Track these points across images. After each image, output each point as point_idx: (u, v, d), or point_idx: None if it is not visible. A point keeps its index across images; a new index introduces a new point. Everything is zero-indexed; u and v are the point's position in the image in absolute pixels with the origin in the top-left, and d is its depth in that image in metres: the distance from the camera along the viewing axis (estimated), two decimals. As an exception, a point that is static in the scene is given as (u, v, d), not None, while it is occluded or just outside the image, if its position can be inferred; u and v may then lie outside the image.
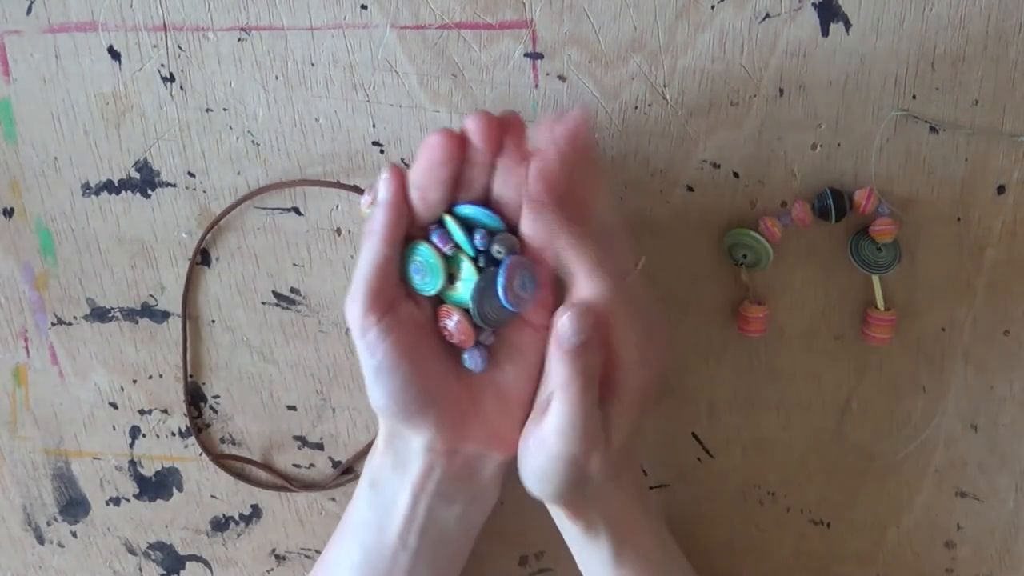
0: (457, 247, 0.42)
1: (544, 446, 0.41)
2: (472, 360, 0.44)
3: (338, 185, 0.50)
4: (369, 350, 0.42)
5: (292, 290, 0.52)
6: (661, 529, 0.48)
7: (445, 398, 0.44)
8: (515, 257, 0.42)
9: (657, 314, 0.44)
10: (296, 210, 0.51)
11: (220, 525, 0.58)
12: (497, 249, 0.42)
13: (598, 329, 0.40)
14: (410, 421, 0.44)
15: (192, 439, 0.56)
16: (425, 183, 0.41)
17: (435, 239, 0.42)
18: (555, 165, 0.39)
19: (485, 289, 0.42)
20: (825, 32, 0.45)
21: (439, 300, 0.44)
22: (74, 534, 0.59)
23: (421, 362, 0.43)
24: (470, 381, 0.45)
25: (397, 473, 0.46)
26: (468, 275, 0.42)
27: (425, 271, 0.43)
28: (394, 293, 0.43)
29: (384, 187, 0.42)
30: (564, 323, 0.39)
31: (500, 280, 0.42)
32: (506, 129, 0.41)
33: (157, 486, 0.57)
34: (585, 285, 0.40)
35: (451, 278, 0.43)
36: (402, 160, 0.49)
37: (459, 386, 0.45)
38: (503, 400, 0.45)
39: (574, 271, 0.40)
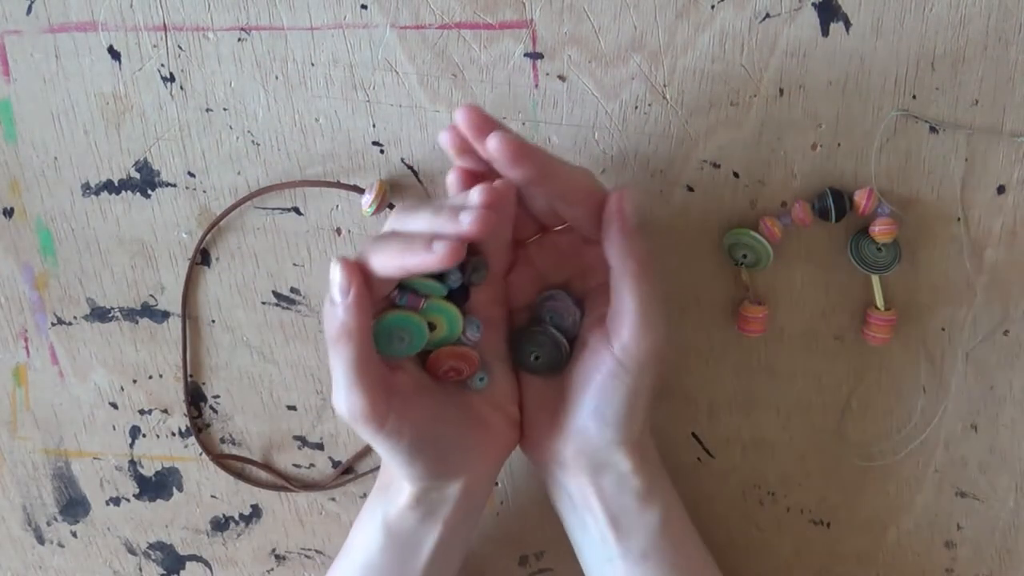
0: (426, 297, 0.42)
1: (636, 351, 0.42)
2: (481, 379, 0.45)
3: (338, 185, 0.50)
4: (393, 438, 0.41)
5: (292, 290, 0.52)
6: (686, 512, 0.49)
7: (469, 438, 0.44)
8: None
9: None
10: (296, 210, 0.51)
11: (220, 525, 0.58)
12: (476, 277, 0.42)
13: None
14: (451, 472, 0.44)
15: (192, 439, 0.56)
16: (393, 273, 0.39)
17: (406, 303, 0.41)
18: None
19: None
20: (825, 32, 0.45)
21: (424, 352, 0.43)
22: (74, 534, 0.59)
23: (440, 420, 0.43)
24: (473, 405, 0.45)
25: (425, 523, 0.45)
26: (444, 311, 0.42)
27: (404, 334, 0.42)
28: (384, 375, 0.41)
29: (343, 285, 0.39)
30: (618, 199, 0.41)
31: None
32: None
33: (157, 486, 0.57)
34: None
35: (430, 326, 0.42)
36: (401, 160, 0.49)
37: (471, 417, 0.45)
38: (502, 405, 0.46)
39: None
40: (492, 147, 0.38)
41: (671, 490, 0.47)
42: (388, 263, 0.39)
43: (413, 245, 0.38)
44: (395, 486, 0.45)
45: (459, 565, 0.49)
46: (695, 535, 0.48)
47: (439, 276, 0.42)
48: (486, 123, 0.39)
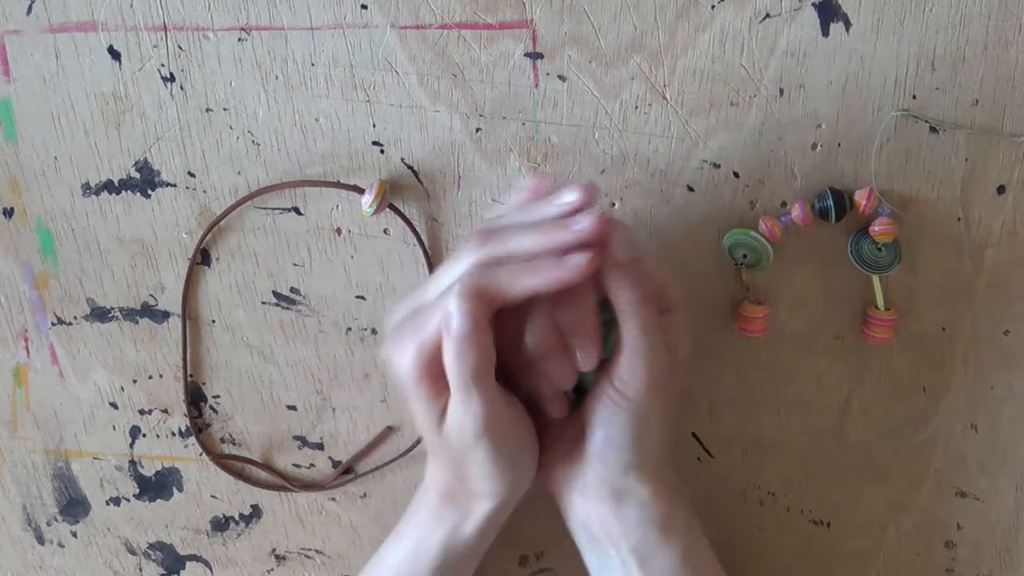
0: None
1: (631, 383, 0.41)
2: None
3: (338, 185, 0.50)
4: (494, 447, 0.41)
5: (292, 290, 0.52)
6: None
7: (532, 446, 0.44)
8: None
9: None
10: (296, 210, 0.51)
11: (220, 525, 0.58)
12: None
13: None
14: (521, 488, 0.44)
15: (192, 439, 0.56)
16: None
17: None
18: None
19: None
20: (825, 32, 0.45)
21: None
22: (74, 534, 0.59)
23: (517, 428, 0.43)
24: (527, 415, 0.45)
25: (486, 537, 0.46)
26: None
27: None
28: (505, 406, 0.41)
29: (464, 321, 0.38)
30: (615, 239, 0.39)
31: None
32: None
33: (157, 486, 0.57)
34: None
35: None
36: (402, 160, 0.49)
37: (527, 425, 0.44)
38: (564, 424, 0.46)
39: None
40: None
41: (693, 521, 0.47)
42: (514, 287, 0.38)
43: (538, 267, 0.38)
44: (463, 509, 0.45)
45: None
46: (717, 566, 0.48)
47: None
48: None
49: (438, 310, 0.39)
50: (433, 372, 0.40)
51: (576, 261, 0.37)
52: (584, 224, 0.37)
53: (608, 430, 0.43)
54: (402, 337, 0.40)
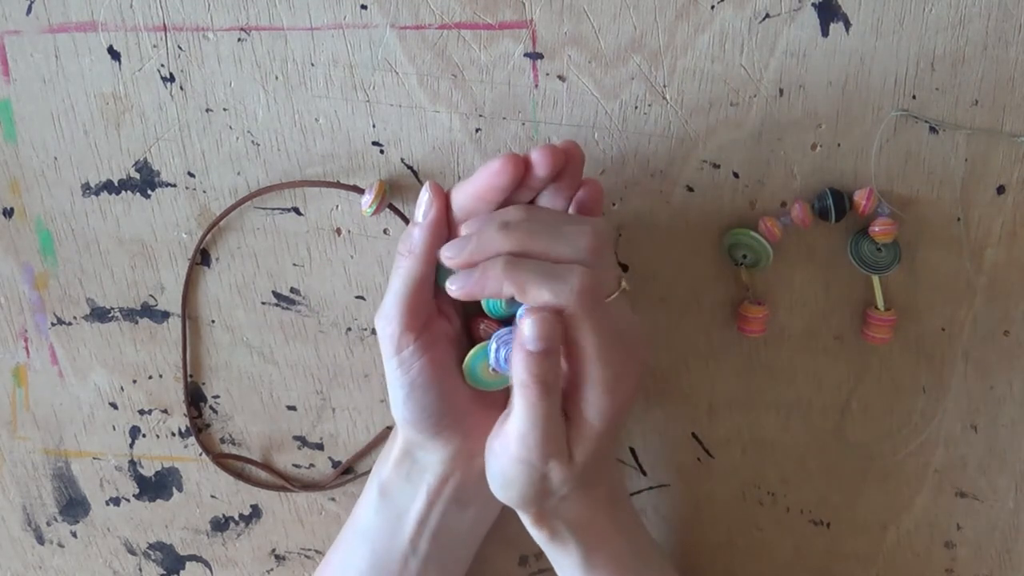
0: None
1: (505, 448, 0.41)
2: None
3: (338, 185, 0.50)
4: (403, 367, 0.43)
5: (292, 290, 0.52)
6: (637, 535, 0.48)
7: (472, 408, 0.45)
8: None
9: (637, 339, 0.43)
10: (296, 210, 0.51)
11: (220, 525, 0.58)
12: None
13: (563, 340, 0.39)
14: (439, 434, 0.45)
15: (192, 439, 0.56)
16: (475, 206, 0.42)
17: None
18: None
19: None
20: (825, 32, 0.45)
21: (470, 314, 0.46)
22: (74, 534, 0.59)
23: (452, 375, 0.44)
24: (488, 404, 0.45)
25: (411, 482, 0.47)
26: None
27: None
28: (429, 311, 0.44)
29: (426, 208, 0.43)
30: (528, 326, 0.39)
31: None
32: (568, 160, 0.42)
33: (157, 486, 0.57)
34: (562, 296, 0.39)
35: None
36: (401, 160, 0.49)
37: (483, 394, 0.45)
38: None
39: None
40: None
41: (596, 536, 0.45)
42: (466, 194, 0.42)
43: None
44: (389, 445, 0.47)
45: (465, 563, 0.49)
46: (638, 567, 0.47)
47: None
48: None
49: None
50: (406, 321, 0.43)
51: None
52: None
53: (489, 474, 0.43)
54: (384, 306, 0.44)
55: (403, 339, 0.43)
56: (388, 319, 0.43)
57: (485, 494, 0.46)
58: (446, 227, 0.43)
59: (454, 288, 0.41)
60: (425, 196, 0.43)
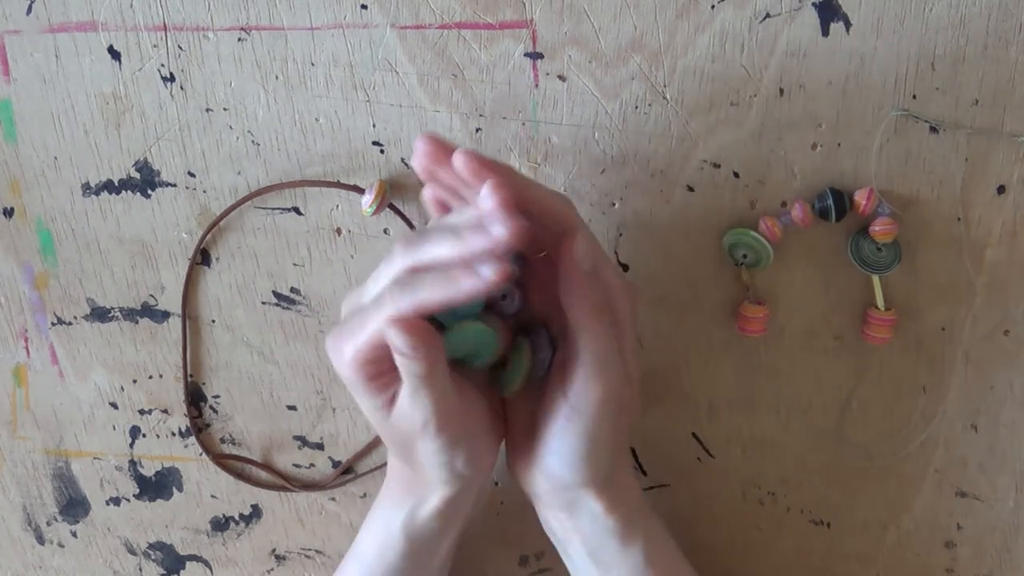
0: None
1: (584, 397, 0.40)
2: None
3: (338, 185, 0.50)
4: (445, 443, 0.41)
5: (292, 290, 0.52)
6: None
7: (489, 434, 0.44)
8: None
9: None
10: (296, 210, 0.51)
11: (220, 525, 0.58)
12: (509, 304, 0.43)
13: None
14: (477, 476, 0.44)
15: (192, 439, 0.56)
16: (439, 308, 0.39)
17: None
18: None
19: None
20: (825, 32, 0.45)
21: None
22: (74, 534, 0.59)
23: (471, 417, 0.43)
24: (489, 401, 0.44)
25: (450, 524, 0.46)
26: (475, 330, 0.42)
27: (480, 351, 0.42)
28: (458, 399, 0.41)
29: (416, 347, 0.37)
30: (578, 248, 0.39)
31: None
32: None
33: (157, 486, 0.57)
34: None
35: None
36: (401, 160, 0.49)
37: (487, 412, 0.44)
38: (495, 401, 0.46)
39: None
40: (458, 164, 0.38)
41: (655, 524, 0.46)
42: (433, 300, 0.37)
43: (454, 277, 0.36)
44: (419, 495, 0.45)
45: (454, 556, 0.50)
46: (683, 564, 0.48)
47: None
48: (442, 150, 0.39)
49: (371, 314, 0.38)
50: (373, 369, 0.39)
51: (486, 273, 0.36)
52: (496, 228, 0.36)
53: (559, 446, 0.42)
54: (341, 337, 0.40)
55: (450, 430, 0.41)
56: (438, 425, 0.40)
57: (478, 510, 0.48)
58: (441, 349, 0.39)
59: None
60: (402, 340, 0.37)
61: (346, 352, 0.39)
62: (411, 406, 0.39)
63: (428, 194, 0.42)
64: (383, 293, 0.38)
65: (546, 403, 0.42)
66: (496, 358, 0.42)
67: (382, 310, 0.38)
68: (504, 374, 0.43)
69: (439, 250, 0.37)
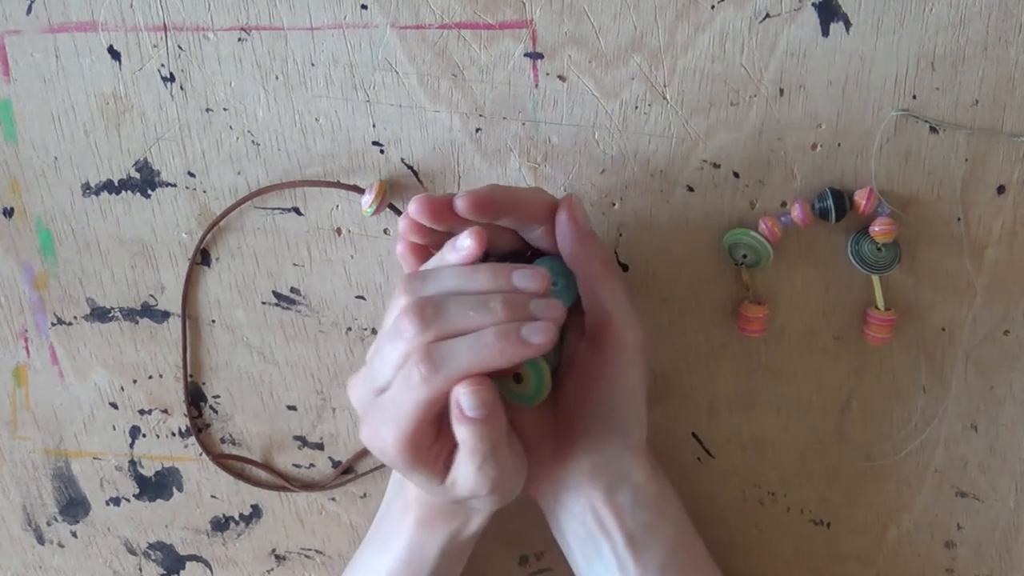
0: None
1: (623, 347, 0.43)
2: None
3: (338, 185, 0.50)
4: (500, 499, 0.42)
5: (292, 290, 0.52)
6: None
7: (518, 453, 0.43)
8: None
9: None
10: (296, 210, 0.51)
11: (220, 525, 0.58)
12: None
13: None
14: (513, 496, 0.44)
15: (192, 439, 0.56)
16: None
17: None
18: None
19: None
20: (825, 32, 0.45)
21: None
22: (74, 534, 0.59)
23: (505, 444, 0.42)
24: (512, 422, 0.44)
25: (477, 536, 0.47)
26: (535, 366, 0.42)
27: (528, 383, 0.43)
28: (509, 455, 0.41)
29: (484, 405, 0.37)
30: (572, 213, 0.42)
31: None
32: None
33: (157, 486, 0.57)
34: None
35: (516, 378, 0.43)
36: (401, 160, 0.49)
37: (511, 433, 0.44)
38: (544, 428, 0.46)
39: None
40: (462, 208, 0.40)
41: (678, 500, 0.47)
42: (473, 371, 0.37)
43: (491, 344, 0.36)
44: (461, 517, 0.45)
45: None
46: (702, 544, 0.48)
47: None
48: (441, 206, 0.40)
49: (403, 394, 0.38)
50: (422, 447, 0.39)
51: (536, 338, 0.36)
52: (544, 309, 0.37)
53: (603, 407, 0.43)
54: (377, 422, 0.39)
55: (504, 487, 0.41)
56: (498, 490, 0.40)
57: None
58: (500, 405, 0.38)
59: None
60: (471, 398, 0.37)
61: (389, 439, 0.38)
62: (476, 477, 0.39)
63: (401, 248, 0.44)
64: (408, 370, 0.37)
65: (578, 380, 0.43)
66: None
67: (416, 389, 0.37)
68: (526, 389, 0.43)
69: (469, 320, 0.37)
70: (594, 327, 0.43)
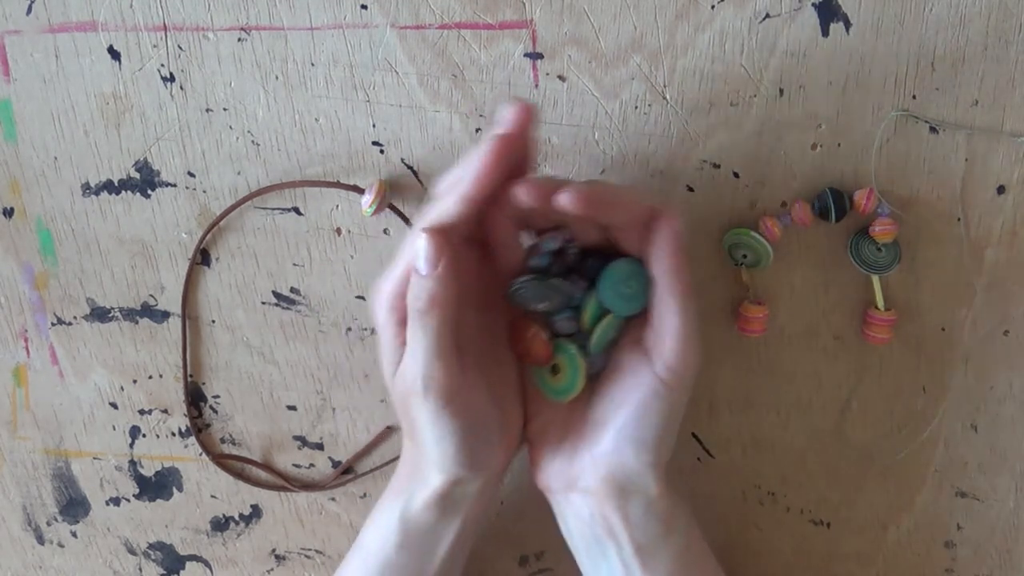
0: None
1: (679, 369, 0.41)
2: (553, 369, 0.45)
3: (338, 185, 0.50)
4: (449, 420, 0.41)
5: (292, 290, 0.52)
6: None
7: (501, 431, 0.44)
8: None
9: None
10: (296, 210, 0.51)
11: (220, 525, 0.58)
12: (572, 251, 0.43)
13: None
14: (478, 468, 0.43)
15: (192, 439, 0.56)
16: (480, 188, 0.39)
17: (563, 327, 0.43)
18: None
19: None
20: (825, 32, 0.45)
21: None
22: (74, 534, 0.59)
23: (485, 408, 0.43)
24: (506, 400, 0.45)
25: (446, 519, 0.45)
26: (571, 358, 0.44)
27: (564, 371, 0.44)
28: (459, 354, 0.41)
29: (431, 256, 0.38)
30: (674, 228, 0.40)
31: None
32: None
33: (157, 486, 0.57)
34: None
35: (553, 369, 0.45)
36: (401, 160, 0.49)
37: (504, 410, 0.44)
38: (518, 404, 0.46)
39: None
40: (566, 204, 0.38)
41: (689, 510, 0.47)
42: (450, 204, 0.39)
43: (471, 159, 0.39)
44: (417, 482, 0.44)
45: (465, 561, 0.49)
46: (714, 561, 0.48)
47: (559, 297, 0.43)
48: (547, 192, 0.39)
49: (407, 250, 0.40)
50: (399, 313, 0.41)
51: (489, 139, 0.38)
52: (507, 114, 0.39)
53: (639, 422, 0.42)
54: (379, 281, 0.42)
55: (449, 391, 0.40)
56: (427, 382, 0.40)
57: (488, 512, 0.47)
58: (457, 268, 0.39)
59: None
60: (423, 243, 0.38)
61: (380, 291, 0.41)
62: (411, 352, 0.40)
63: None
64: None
65: (621, 387, 0.43)
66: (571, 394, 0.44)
67: (411, 242, 0.40)
68: (560, 382, 0.44)
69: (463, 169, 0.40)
70: (655, 343, 0.42)
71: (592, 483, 0.43)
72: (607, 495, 0.43)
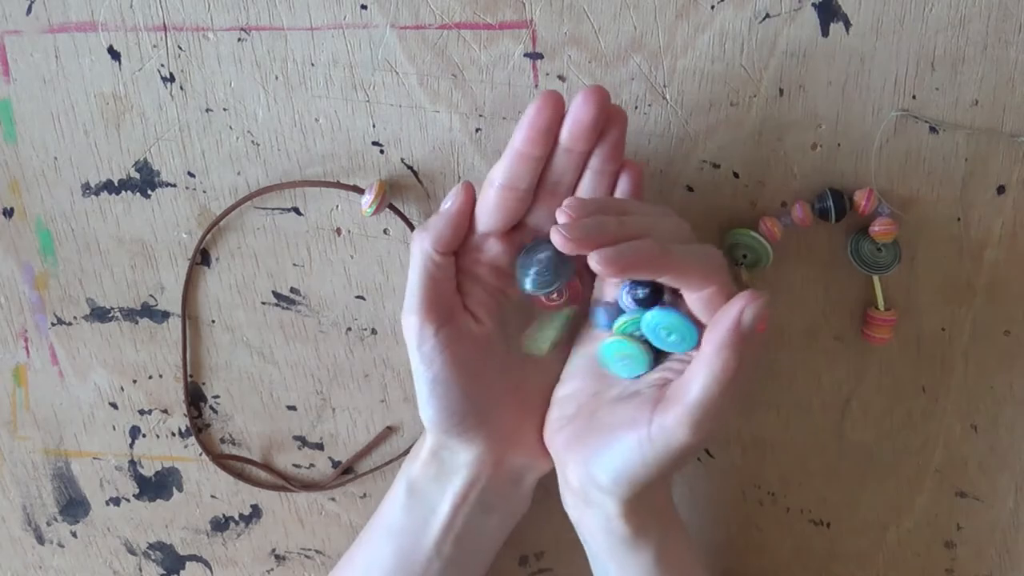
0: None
1: (670, 440, 0.38)
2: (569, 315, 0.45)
3: (338, 185, 0.50)
4: (425, 362, 0.43)
5: (292, 290, 0.52)
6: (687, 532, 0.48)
7: (500, 411, 0.45)
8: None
9: None
10: (296, 210, 0.51)
11: (220, 525, 0.58)
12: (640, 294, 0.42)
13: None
14: (463, 435, 0.44)
15: (192, 439, 0.56)
16: (518, 168, 0.41)
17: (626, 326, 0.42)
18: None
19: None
20: (825, 32, 0.45)
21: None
22: (74, 534, 0.59)
23: (478, 376, 0.44)
24: (524, 393, 0.45)
25: (439, 483, 0.46)
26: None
27: (627, 359, 0.43)
28: (451, 304, 0.43)
29: (453, 199, 0.43)
30: (742, 316, 0.37)
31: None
32: (609, 121, 0.42)
33: (157, 486, 0.57)
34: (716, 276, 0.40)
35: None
36: (401, 160, 0.49)
37: (514, 399, 0.45)
38: (542, 399, 0.46)
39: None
40: (596, 269, 0.37)
41: (673, 530, 0.45)
42: (510, 155, 0.42)
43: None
44: (420, 443, 0.47)
45: (483, 569, 0.49)
46: (696, 564, 0.47)
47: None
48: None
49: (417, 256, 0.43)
50: (436, 271, 0.43)
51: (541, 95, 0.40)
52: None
53: (614, 454, 0.41)
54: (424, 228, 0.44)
55: (424, 330, 0.42)
56: (408, 310, 0.43)
57: (510, 500, 0.47)
58: (468, 221, 0.43)
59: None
60: (455, 189, 0.43)
61: (426, 237, 0.43)
62: (409, 287, 0.43)
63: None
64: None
65: (621, 414, 0.41)
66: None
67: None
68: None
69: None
70: (667, 399, 0.39)
71: (570, 474, 0.44)
72: (575, 491, 0.44)
